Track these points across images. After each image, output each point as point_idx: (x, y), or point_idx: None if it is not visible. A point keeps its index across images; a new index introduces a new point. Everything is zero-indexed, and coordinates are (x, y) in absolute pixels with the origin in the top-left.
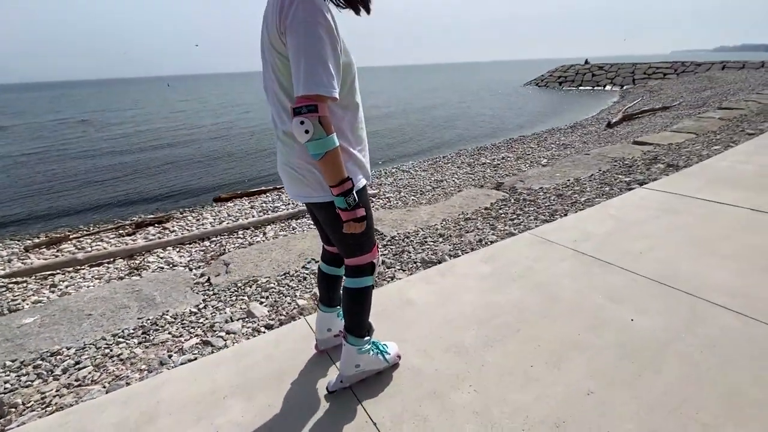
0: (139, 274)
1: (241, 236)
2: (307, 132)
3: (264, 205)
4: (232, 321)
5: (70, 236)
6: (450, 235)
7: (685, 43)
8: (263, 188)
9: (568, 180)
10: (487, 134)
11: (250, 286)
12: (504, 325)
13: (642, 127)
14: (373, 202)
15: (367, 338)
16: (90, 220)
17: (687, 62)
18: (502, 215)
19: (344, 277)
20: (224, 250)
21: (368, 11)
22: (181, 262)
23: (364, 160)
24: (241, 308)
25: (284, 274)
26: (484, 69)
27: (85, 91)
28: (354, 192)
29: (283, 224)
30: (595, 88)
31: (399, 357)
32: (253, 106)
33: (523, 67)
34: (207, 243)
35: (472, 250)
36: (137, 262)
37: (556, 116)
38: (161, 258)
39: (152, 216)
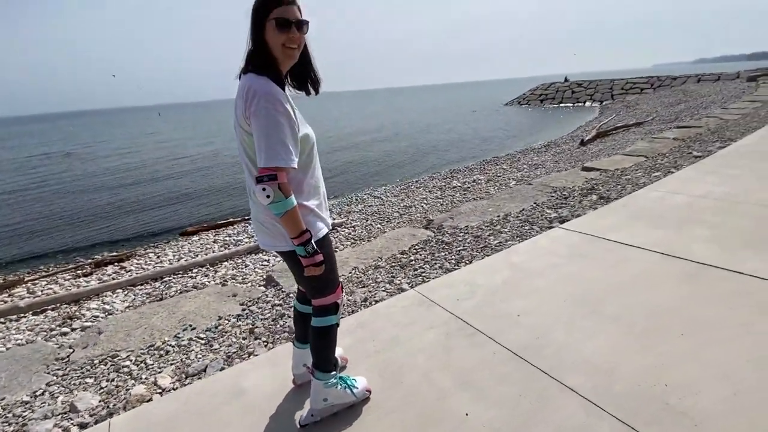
0: (71, 326)
1: (193, 275)
2: (268, 197)
3: (227, 238)
4: (49, 417)
5: (26, 279)
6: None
7: (667, 56)
8: (231, 219)
9: (498, 216)
10: (464, 156)
11: (105, 364)
12: (328, 425)
13: (614, 144)
14: (337, 231)
15: (333, 373)
16: (55, 261)
17: (663, 76)
18: (412, 262)
19: (312, 317)
20: (163, 295)
21: (317, 92)
22: (118, 309)
23: (322, 212)
24: (68, 398)
25: (149, 347)
26: (468, 89)
27: (78, 121)
28: (312, 241)
29: (239, 260)
30: (576, 104)
31: (369, 391)
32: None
33: (506, 86)
34: (158, 284)
35: (351, 313)
36: (73, 310)
37: (534, 134)
38: (104, 304)
39: (114, 254)
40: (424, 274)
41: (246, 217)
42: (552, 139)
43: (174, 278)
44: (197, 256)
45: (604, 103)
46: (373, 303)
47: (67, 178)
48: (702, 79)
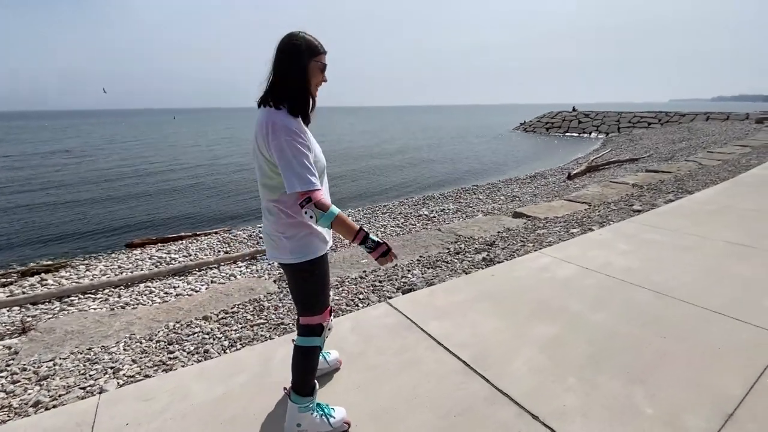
0: None
1: (102, 296)
2: (311, 217)
3: (167, 255)
4: None
5: None
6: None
7: (685, 92)
8: (183, 234)
9: (365, 271)
10: (448, 180)
11: None
12: None
13: (600, 180)
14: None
15: (309, 398)
16: None
17: (671, 112)
18: (230, 322)
19: (297, 336)
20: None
21: (309, 122)
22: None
23: (322, 231)
24: None
25: None
26: (482, 111)
27: (101, 120)
28: (371, 236)
29: (162, 281)
30: (581, 134)
31: (348, 424)
32: (246, 141)
33: (521, 110)
34: (58, 303)
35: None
36: None
37: (529, 163)
38: None
39: (48, 262)
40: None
41: (198, 233)
42: (543, 169)
43: (79, 299)
44: (121, 273)
45: (609, 135)
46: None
47: (54, 177)
48: (711, 118)
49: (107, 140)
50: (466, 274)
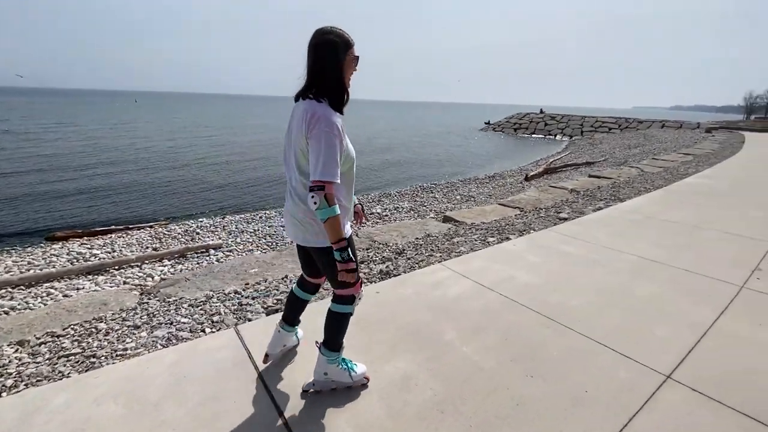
0: None
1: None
2: (315, 203)
3: (89, 251)
4: None
5: None
6: None
7: (647, 100)
8: (113, 227)
9: (248, 284)
10: (405, 178)
11: None
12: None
13: (557, 181)
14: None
15: (336, 353)
16: None
17: (630, 119)
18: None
19: (331, 302)
20: None
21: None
22: None
23: (346, 216)
24: None
25: None
26: (454, 109)
27: (60, 99)
28: (348, 249)
29: (68, 281)
30: (547, 136)
31: (367, 379)
32: (208, 131)
33: (490, 111)
34: None
35: None
36: None
37: (492, 163)
38: None
39: None
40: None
41: (131, 226)
42: (503, 170)
43: None
44: (30, 270)
45: (573, 138)
46: None
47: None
48: (666, 126)
49: (57, 122)
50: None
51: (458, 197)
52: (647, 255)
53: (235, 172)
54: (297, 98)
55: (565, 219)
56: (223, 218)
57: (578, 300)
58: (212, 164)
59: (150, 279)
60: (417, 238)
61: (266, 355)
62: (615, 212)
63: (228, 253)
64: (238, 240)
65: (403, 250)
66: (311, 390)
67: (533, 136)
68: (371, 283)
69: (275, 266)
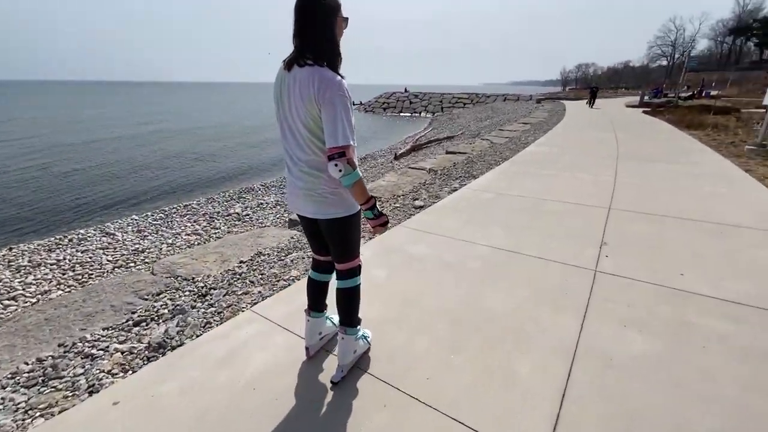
0: None
1: None
2: (340, 171)
3: None
4: None
5: None
6: None
7: (492, 77)
8: None
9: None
10: (274, 163)
11: None
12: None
13: (423, 158)
14: None
15: (358, 327)
16: None
17: (480, 94)
18: None
19: (338, 281)
20: None
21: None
22: None
23: None
24: None
25: None
26: None
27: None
28: (376, 205)
29: None
30: (413, 114)
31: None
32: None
33: (360, 91)
34: None
35: None
36: None
37: (365, 144)
38: None
39: None
40: None
41: None
42: (374, 150)
43: None
44: None
45: (435, 115)
46: None
47: None
48: (507, 99)
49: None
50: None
51: None
52: (499, 244)
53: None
54: (290, 65)
55: (421, 207)
56: None
57: (422, 341)
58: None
59: None
60: (242, 262)
61: (307, 349)
62: (468, 192)
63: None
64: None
65: (213, 287)
66: (340, 379)
67: (401, 114)
68: (114, 381)
69: None
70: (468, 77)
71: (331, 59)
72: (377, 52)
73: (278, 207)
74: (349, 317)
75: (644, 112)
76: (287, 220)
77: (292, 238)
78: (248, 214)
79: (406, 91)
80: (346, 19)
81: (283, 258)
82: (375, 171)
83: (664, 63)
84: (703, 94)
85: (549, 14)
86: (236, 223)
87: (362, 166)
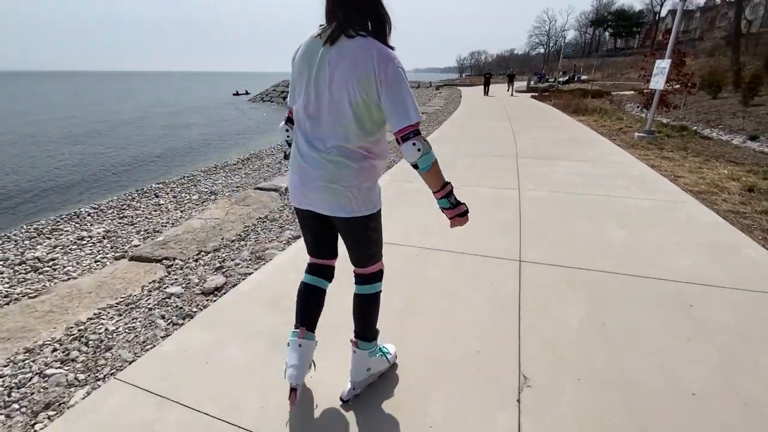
0: None
1: None
2: (419, 150)
3: None
4: None
5: None
6: None
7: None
8: None
9: None
10: (137, 174)
11: None
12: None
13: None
14: None
15: (375, 341)
16: None
17: None
18: None
19: (356, 286)
20: None
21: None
22: None
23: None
24: None
25: None
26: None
27: None
28: (454, 193)
29: None
30: None
31: (395, 356)
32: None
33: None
34: None
35: None
36: None
37: (250, 140)
38: None
39: None
40: None
41: None
42: (261, 148)
43: None
44: None
45: None
46: None
47: None
48: (411, 87)
49: None
50: None
51: (195, 197)
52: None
53: None
54: (333, 38)
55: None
56: None
57: None
58: None
59: None
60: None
61: (293, 391)
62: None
63: None
64: None
65: None
66: (352, 397)
67: None
68: None
69: None
70: None
71: (381, 29)
72: (267, 36)
73: (105, 241)
74: (366, 328)
75: (533, 97)
76: (128, 254)
77: (119, 303)
78: (54, 260)
79: None
80: None
81: (94, 361)
82: (259, 174)
83: (542, 51)
84: (576, 79)
85: (444, 1)
86: (24, 278)
87: (243, 170)
